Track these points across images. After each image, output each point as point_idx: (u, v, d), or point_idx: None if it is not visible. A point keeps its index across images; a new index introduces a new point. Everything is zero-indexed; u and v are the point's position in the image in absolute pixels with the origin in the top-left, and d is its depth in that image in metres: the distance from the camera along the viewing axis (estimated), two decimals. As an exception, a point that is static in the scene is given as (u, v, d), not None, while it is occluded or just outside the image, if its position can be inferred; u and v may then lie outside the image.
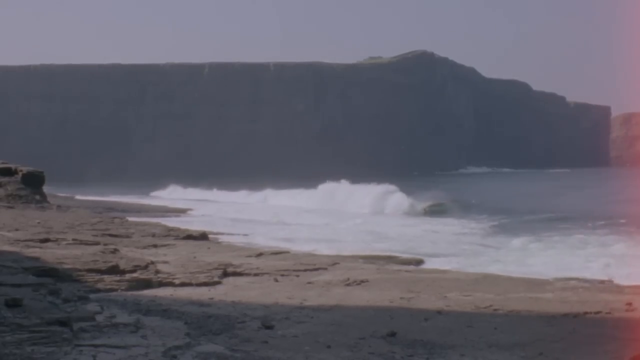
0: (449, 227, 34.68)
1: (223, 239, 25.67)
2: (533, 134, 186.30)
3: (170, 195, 71.43)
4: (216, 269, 14.34)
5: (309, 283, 13.45)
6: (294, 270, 14.87)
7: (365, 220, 39.10)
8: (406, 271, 16.04)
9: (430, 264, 20.59)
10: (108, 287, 11.97)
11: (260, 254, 17.85)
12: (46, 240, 17.39)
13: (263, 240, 26.38)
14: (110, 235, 20.62)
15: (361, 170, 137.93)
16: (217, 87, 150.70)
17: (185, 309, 10.26)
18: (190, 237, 21.89)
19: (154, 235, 21.57)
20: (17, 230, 19.59)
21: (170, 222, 31.17)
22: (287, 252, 19.18)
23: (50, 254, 14.30)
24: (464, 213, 41.56)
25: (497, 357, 8.09)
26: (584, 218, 35.48)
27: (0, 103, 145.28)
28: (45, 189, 36.51)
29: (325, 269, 15.40)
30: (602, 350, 8.29)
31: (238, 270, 14.61)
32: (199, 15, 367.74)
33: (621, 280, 16.41)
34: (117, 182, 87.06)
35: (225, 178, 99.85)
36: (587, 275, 18.27)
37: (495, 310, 10.79)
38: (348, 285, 13.27)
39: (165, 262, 15.09)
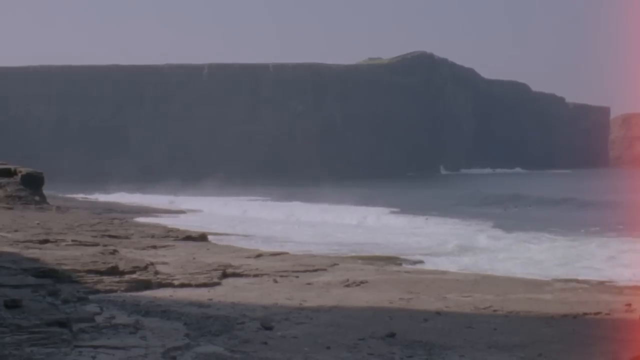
0: (445, 229, 34.68)
1: (222, 240, 25.68)
2: (532, 134, 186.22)
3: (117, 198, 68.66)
4: (215, 270, 14.33)
5: (309, 284, 13.44)
6: (293, 271, 14.86)
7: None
8: (405, 272, 16.06)
9: (429, 265, 20.63)
10: (107, 288, 11.96)
11: (259, 255, 17.86)
12: (45, 241, 17.38)
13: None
14: (110, 236, 20.60)
15: (360, 171, 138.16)
16: (217, 88, 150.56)
17: (184, 310, 10.26)
18: (189, 238, 21.86)
19: (153, 236, 21.53)
20: (16, 231, 19.58)
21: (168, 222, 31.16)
22: (287, 253, 19.19)
23: (49, 255, 14.29)
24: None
25: (497, 358, 8.10)
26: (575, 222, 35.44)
27: (0, 104, 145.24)
28: (45, 190, 36.49)
29: (325, 270, 15.39)
30: (601, 351, 8.30)
31: (237, 271, 14.60)
32: (198, 16, 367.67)
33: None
34: (116, 184, 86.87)
35: (223, 180, 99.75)
36: (586, 276, 18.30)
37: (494, 311, 10.79)
38: (347, 286, 13.27)
39: (165, 263, 15.08)
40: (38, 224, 22.39)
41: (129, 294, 11.72)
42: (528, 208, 52.69)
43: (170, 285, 12.75)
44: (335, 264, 16.34)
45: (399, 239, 29.60)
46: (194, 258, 16.34)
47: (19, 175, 34.76)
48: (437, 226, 36.17)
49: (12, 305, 8.52)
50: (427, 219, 40.52)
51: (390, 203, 51.29)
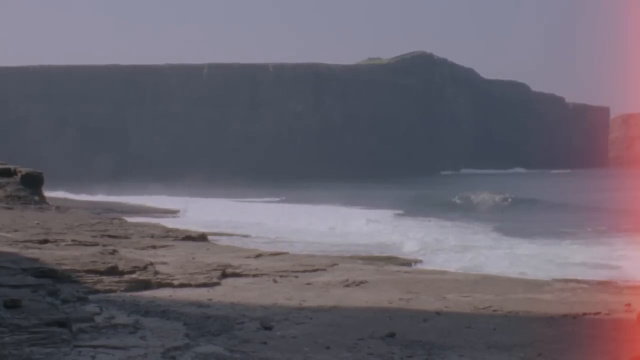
0: (445, 230, 34.67)
1: (221, 240, 25.67)
2: (532, 135, 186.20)
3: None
4: (215, 269, 14.32)
5: (308, 284, 13.43)
6: (293, 271, 14.85)
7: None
8: (405, 272, 16.04)
9: (429, 265, 20.63)
10: (107, 288, 11.95)
11: (259, 255, 17.85)
12: (45, 241, 17.37)
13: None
14: (109, 236, 20.57)
15: (359, 171, 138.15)
16: (216, 88, 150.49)
17: (184, 309, 10.26)
18: (189, 238, 21.84)
19: (152, 236, 21.51)
20: (16, 231, 19.56)
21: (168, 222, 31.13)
22: (286, 253, 19.18)
23: (49, 255, 14.28)
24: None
25: (496, 357, 8.09)
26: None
27: (0, 104, 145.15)
28: (44, 190, 36.46)
29: (324, 269, 15.39)
30: (601, 351, 8.29)
31: (237, 271, 14.59)
32: (197, 16, 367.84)
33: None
34: (116, 183, 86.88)
35: (223, 179, 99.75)
36: (587, 276, 18.29)
37: (494, 311, 10.78)
38: (347, 286, 13.26)
39: (164, 263, 15.07)
40: (37, 223, 22.37)
41: (128, 294, 11.71)
42: (520, 201, 52.90)
43: (169, 285, 12.74)
44: (334, 264, 16.32)
45: (399, 240, 29.60)
46: (193, 258, 16.33)
47: (19, 175, 34.73)
48: (438, 227, 36.15)
49: (12, 305, 8.52)
50: (429, 220, 40.71)
51: (390, 204, 51.47)
